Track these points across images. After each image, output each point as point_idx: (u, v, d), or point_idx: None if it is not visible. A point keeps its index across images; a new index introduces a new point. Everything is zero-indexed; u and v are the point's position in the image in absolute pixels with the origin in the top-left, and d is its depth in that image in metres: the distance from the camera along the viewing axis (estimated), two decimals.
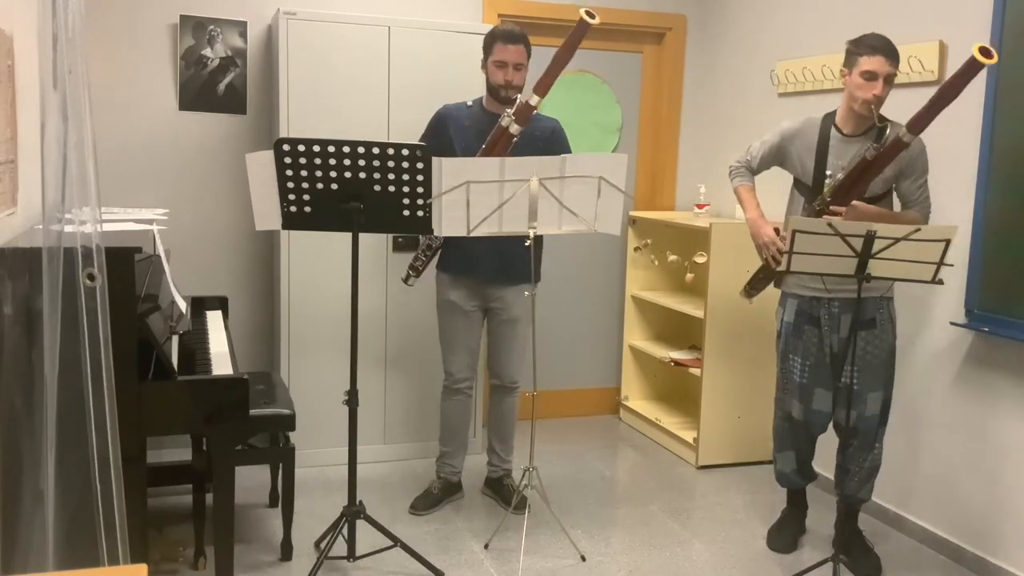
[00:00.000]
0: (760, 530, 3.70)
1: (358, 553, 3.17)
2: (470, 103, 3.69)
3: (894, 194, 3.30)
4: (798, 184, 3.38)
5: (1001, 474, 3.31)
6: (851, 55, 3.14)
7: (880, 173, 3.12)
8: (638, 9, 4.94)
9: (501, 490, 3.92)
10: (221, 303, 3.88)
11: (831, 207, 3.13)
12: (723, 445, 4.44)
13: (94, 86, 2.49)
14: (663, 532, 3.70)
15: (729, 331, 4.36)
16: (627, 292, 5.13)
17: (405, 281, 3.67)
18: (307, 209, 3.03)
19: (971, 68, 2.79)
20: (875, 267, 2.91)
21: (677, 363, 4.70)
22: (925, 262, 2.87)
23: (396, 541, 3.18)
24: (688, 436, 4.53)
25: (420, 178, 3.02)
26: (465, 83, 4.06)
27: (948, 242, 2.82)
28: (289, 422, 3.13)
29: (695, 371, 4.51)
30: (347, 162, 2.95)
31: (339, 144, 2.94)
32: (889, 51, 3.08)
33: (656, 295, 5.02)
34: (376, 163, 2.97)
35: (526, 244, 3.18)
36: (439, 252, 3.70)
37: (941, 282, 2.92)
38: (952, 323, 3.43)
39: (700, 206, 4.82)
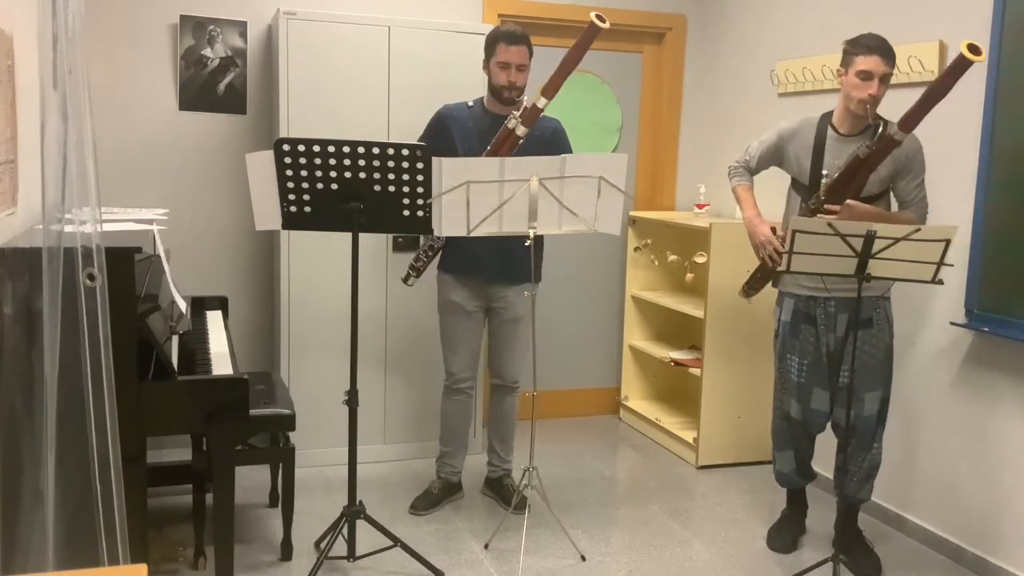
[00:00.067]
0: (760, 530, 3.70)
1: (358, 553, 3.17)
2: (471, 103, 3.69)
3: (892, 194, 3.30)
4: (796, 184, 3.39)
5: (1001, 474, 3.31)
6: (847, 55, 3.15)
7: (873, 171, 3.12)
8: (638, 9, 4.94)
9: (501, 490, 3.92)
10: (221, 303, 3.88)
11: (825, 206, 3.14)
12: (723, 445, 4.44)
13: (94, 86, 2.49)
14: (663, 532, 3.70)
15: (729, 331, 4.36)
16: (627, 292, 5.14)
17: (405, 281, 3.67)
18: (307, 209, 3.03)
19: (960, 65, 2.80)
20: (875, 267, 2.91)
21: (677, 363, 4.70)
22: (925, 262, 2.87)
23: (396, 541, 3.18)
24: (688, 436, 4.53)
25: (420, 178, 3.02)
26: (465, 83, 4.06)
27: (948, 242, 2.82)
28: (289, 422, 3.13)
29: (695, 371, 4.51)
30: (347, 162, 2.95)
31: (339, 144, 2.94)
32: (885, 51, 3.08)
33: (656, 295, 5.02)
34: (376, 163, 2.97)
35: (526, 244, 3.18)
36: (440, 253, 3.70)
37: (941, 282, 2.92)
38: (952, 323, 3.43)
39: (700, 206, 4.82)
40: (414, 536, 3.48)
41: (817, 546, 3.57)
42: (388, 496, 3.93)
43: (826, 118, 3.32)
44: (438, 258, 3.74)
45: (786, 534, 3.60)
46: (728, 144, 4.70)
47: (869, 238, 2.84)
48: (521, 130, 3.39)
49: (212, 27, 4.23)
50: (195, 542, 3.22)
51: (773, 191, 3.64)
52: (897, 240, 2.83)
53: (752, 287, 3.56)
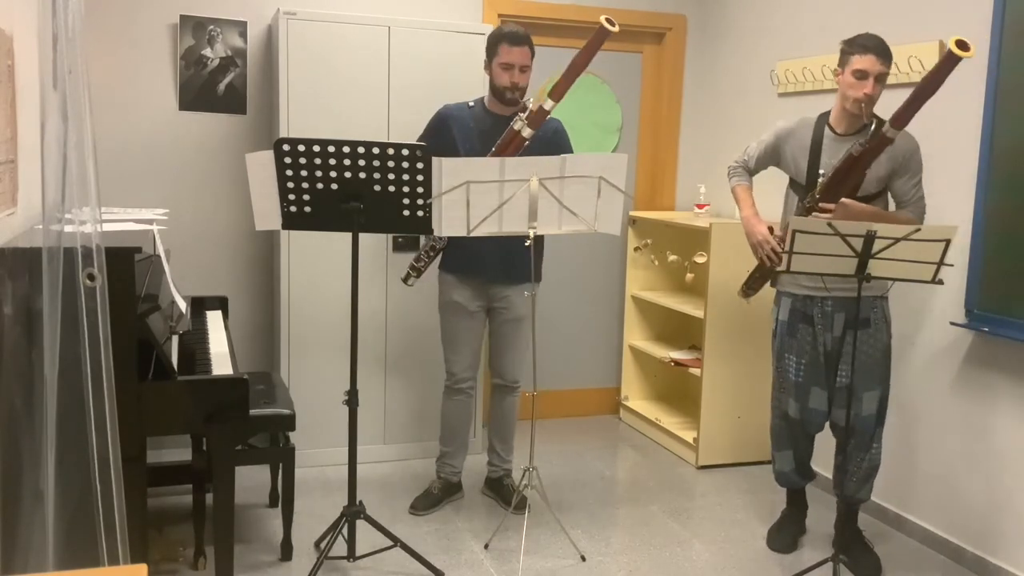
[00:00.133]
0: (760, 530, 3.70)
1: (358, 553, 3.17)
2: (471, 103, 3.69)
3: (889, 194, 3.30)
4: (793, 184, 3.40)
5: (1001, 474, 3.31)
6: (844, 54, 3.16)
7: (866, 169, 3.12)
8: (638, 9, 4.94)
9: (501, 490, 3.92)
10: (221, 303, 3.88)
11: (820, 204, 3.14)
12: (723, 445, 4.44)
13: (94, 86, 2.48)
14: (663, 532, 3.70)
15: (729, 331, 4.36)
16: (627, 292, 5.13)
17: (405, 281, 3.67)
18: (307, 209, 3.03)
19: (949, 61, 2.81)
20: (875, 267, 2.91)
21: (677, 363, 4.70)
22: (925, 262, 2.87)
23: (396, 541, 3.18)
24: (688, 436, 4.53)
25: (420, 178, 3.02)
26: (465, 83, 4.06)
27: (948, 242, 2.82)
28: (289, 422, 3.13)
29: (695, 371, 4.51)
30: (347, 162, 2.95)
31: (339, 144, 2.94)
32: (881, 50, 3.09)
33: (656, 295, 5.02)
34: (376, 163, 2.97)
35: (526, 244, 3.18)
36: (441, 253, 3.70)
37: (941, 282, 2.92)
38: (952, 323, 3.43)
39: (700, 206, 4.82)
40: (414, 536, 3.48)
41: (817, 546, 3.57)
42: (388, 496, 3.93)
43: (823, 118, 3.32)
44: (439, 258, 3.73)
45: (786, 534, 3.60)
46: (728, 144, 4.70)
47: (869, 238, 2.84)
48: (527, 132, 3.40)
49: (212, 27, 4.23)
50: (195, 542, 3.22)
51: (770, 191, 3.64)
52: (897, 240, 2.83)
53: (751, 287, 3.57)
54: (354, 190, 2.99)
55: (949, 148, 3.46)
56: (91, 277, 2.07)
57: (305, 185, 2.98)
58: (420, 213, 3.08)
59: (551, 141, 3.60)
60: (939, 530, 3.58)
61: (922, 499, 3.66)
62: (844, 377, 3.28)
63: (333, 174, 2.97)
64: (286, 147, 2.94)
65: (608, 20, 3.23)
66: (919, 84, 2.91)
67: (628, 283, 5.13)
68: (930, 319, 3.59)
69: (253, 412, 2.89)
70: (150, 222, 3.00)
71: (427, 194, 3.05)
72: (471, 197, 3.11)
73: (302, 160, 2.94)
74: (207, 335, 3.44)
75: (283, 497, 3.30)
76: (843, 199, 3.11)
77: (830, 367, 3.34)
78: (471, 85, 4.02)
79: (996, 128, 3.25)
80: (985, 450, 3.38)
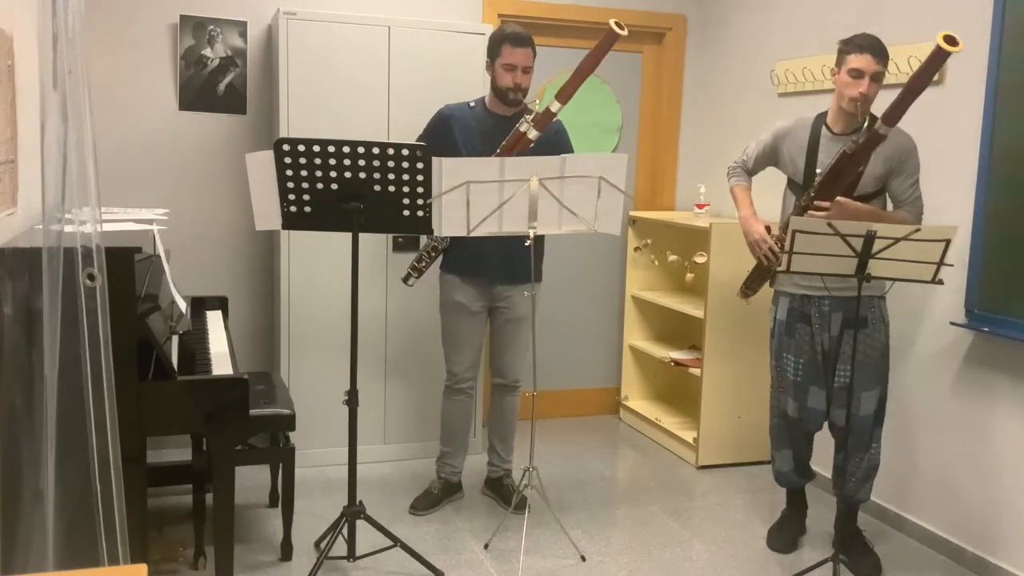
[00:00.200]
0: (760, 530, 3.70)
1: (358, 553, 3.17)
2: (472, 103, 3.69)
3: (887, 193, 3.30)
4: (791, 184, 3.40)
5: (1001, 474, 3.31)
6: (841, 54, 3.18)
7: (860, 166, 3.12)
8: (638, 9, 4.93)
9: (501, 490, 3.92)
10: (221, 303, 3.88)
11: (815, 202, 3.14)
12: (723, 445, 4.44)
13: (94, 86, 2.49)
14: (663, 532, 3.70)
15: (729, 331, 4.36)
16: (627, 292, 5.13)
17: (405, 281, 3.67)
18: (307, 209, 3.03)
19: (937, 56, 2.81)
20: (875, 267, 2.91)
21: (677, 363, 4.70)
22: (925, 262, 2.87)
23: (396, 541, 3.18)
24: (688, 436, 4.53)
25: (420, 178, 3.02)
26: (465, 83, 4.06)
27: (948, 242, 2.82)
28: (289, 422, 3.13)
29: (695, 371, 4.51)
30: (347, 162, 2.95)
31: (339, 144, 2.94)
32: (877, 50, 3.09)
33: (656, 295, 5.02)
34: (376, 163, 2.97)
35: (526, 244, 3.18)
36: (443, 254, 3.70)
37: (941, 282, 2.92)
38: (952, 323, 3.43)
39: (700, 206, 4.82)
40: (414, 536, 3.48)
41: (817, 546, 3.57)
42: (388, 496, 3.93)
43: (821, 118, 3.33)
44: (440, 259, 3.73)
45: (786, 534, 3.60)
46: (728, 144, 4.70)
47: (869, 238, 2.84)
48: (533, 134, 3.41)
49: (212, 27, 4.23)
50: (195, 542, 3.22)
51: (767, 190, 3.64)
52: (897, 240, 2.83)
53: (750, 287, 3.57)
54: (354, 190, 2.99)
55: (949, 148, 3.46)
56: (91, 277, 2.07)
57: (305, 185, 2.98)
58: (420, 213, 3.08)
59: (552, 141, 3.60)
60: (939, 530, 3.58)
61: (922, 499, 3.66)
62: (843, 377, 3.28)
63: (333, 174, 2.97)
64: (286, 147, 2.94)
65: (617, 24, 3.23)
66: (909, 80, 2.91)
67: (628, 283, 5.13)
68: (930, 319, 3.59)
69: (253, 412, 2.89)
70: (150, 222, 3.00)
71: (427, 194, 3.05)
72: (471, 197, 3.11)
73: (302, 160, 2.94)
74: (207, 335, 3.44)
75: (283, 497, 3.30)
76: (838, 198, 3.11)
77: (828, 367, 3.34)
78: (471, 85, 4.03)
79: (996, 128, 3.25)
80: (985, 450, 3.38)
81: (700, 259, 4.42)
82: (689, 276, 4.72)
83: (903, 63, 3.56)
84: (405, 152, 2.98)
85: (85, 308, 2.07)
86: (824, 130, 3.29)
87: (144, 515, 2.78)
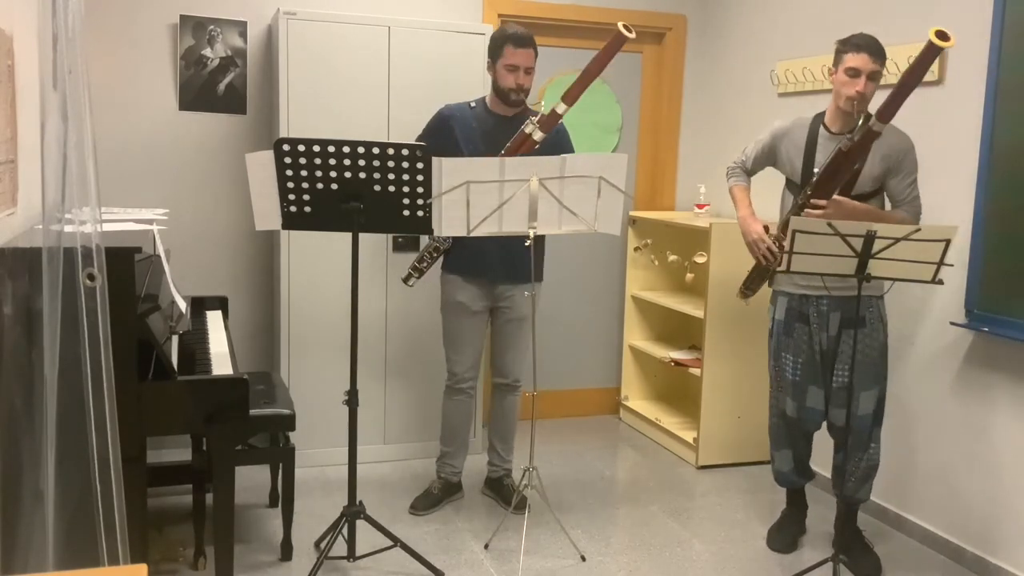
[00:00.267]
0: (760, 530, 3.70)
1: (358, 553, 3.17)
2: (473, 103, 3.69)
3: (885, 193, 3.30)
4: (790, 184, 3.41)
5: (1001, 474, 3.31)
6: (838, 53, 3.18)
7: (856, 164, 3.12)
8: (638, 9, 4.94)
9: (501, 490, 3.92)
10: (221, 303, 3.88)
11: (812, 201, 3.14)
12: (723, 445, 4.44)
13: (94, 86, 2.49)
14: (663, 532, 3.70)
15: (729, 331, 4.36)
16: (627, 292, 5.14)
17: (405, 281, 3.67)
18: (307, 209, 3.03)
19: (930, 52, 2.81)
20: (875, 267, 2.91)
21: (677, 363, 4.70)
22: (925, 262, 2.87)
23: (396, 541, 3.18)
24: (688, 436, 4.53)
25: (420, 178, 3.02)
26: (465, 83, 4.06)
27: (948, 242, 2.82)
28: (289, 422, 3.13)
29: (695, 371, 4.51)
30: (347, 162, 2.95)
31: (339, 144, 2.94)
32: (874, 49, 3.10)
33: (656, 295, 5.02)
34: (376, 163, 2.97)
35: (526, 244, 3.18)
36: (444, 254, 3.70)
37: (941, 282, 2.92)
38: (952, 323, 3.43)
39: (700, 206, 4.82)
40: (414, 536, 3.48)
41: (817, 546, 3.57)
42: (388, 496, 3.93)
43: (819, 118, 3.33)
44: (441, 259, 3.73)
45: (786, 534, 3.60)
46: (728, 144, 4.70)
47: (869, 238, 2.84)
48: (538, 135, 3.41)
49: (212, 27, 4.23)
50: (195, 542, 3.22)
51: (767, 191, 3.64)
52: (897, 240, 2.83)
53: (749, 287, 3.57)
54: (354, 190, 2.99)
55: (949, 148, 3.46)
56: (91, 277, 2.07)
57: (305, 185, 2.98)
58: (420, 213, 3.08)
59: (553, 141, 3.60)
60: (939, 530, 3.58)
61: (922, 499, 3.66)
62: (842, 377, 3.28)
63: (333, 174, 2.97)
64: (286, 147, 2.94)
65: (625, 27, 3.22)
66: (902, 77, 2.91)
67: (628, 283, 5.13)
68: (930, 319, 3.59)
69: (253, 412, 2.89)
70: (150, 222, 3.00)
71: (427, 194, 3.05)
72: (471, 197, 3.11)
73: (302, 160, 2.94)
74: (207, 335, 3.44)
75: (283, 497, 3.30)
76: (836, 196, 3.11)
77: (826, 366, 3.34)
78: (471, 85, 4.03)
79: (996, 128, 3.25)
80: (985, 450, 3.38)
81: (700, 259, 4.42)
82: (689, 276, 4.72)
83: (903, 63, 3.55)
84: (405, 152, 2.98)
85: (85, 308, 2.07)
86: (822, 130, 3.29)
87: (144, 515, 2.78)
